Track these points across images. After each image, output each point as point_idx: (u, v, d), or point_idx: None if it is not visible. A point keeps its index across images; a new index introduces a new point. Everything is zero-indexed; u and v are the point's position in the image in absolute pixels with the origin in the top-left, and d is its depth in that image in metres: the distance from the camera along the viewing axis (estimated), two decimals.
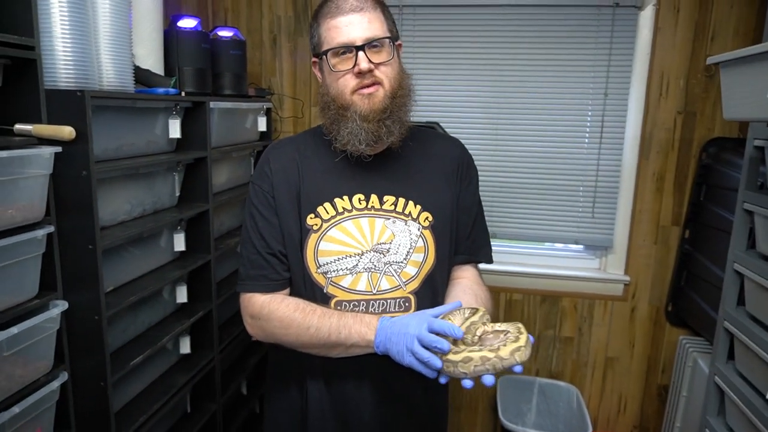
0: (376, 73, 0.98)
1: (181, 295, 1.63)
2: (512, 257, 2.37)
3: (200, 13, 2.30)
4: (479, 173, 2.21)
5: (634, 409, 2.34)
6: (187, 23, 1.69)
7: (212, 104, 1.66)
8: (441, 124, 2.24)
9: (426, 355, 0.84)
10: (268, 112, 2.11)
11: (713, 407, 1.60)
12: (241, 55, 1.91)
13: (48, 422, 1.20)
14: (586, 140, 2.17)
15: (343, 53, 0.97)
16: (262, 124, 2.05)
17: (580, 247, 2.33)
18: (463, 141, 2.18)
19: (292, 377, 1.11)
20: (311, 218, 1.03)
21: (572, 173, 2.20)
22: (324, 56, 0.98)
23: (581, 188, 2.20)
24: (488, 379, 0.82)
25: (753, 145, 1.49)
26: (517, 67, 2.16)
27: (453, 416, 2.50)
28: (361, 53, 0.95)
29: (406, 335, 0.87)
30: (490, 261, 1.19)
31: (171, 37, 1.65)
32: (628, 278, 2.23)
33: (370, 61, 0.96)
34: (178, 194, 1.64)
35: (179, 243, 1.59)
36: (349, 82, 0.98)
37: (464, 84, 2.22)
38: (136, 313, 1.48)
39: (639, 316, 2.26)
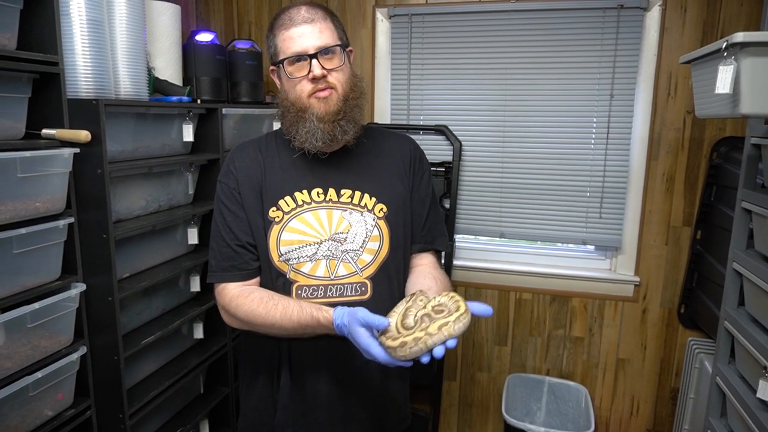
0: (329, 78, 1.07)
1: (195, 285, 1.78)
2: (522, 257, 2.40)
3: (226, 26, 2.48)
4: (486, 174, 2.33)
5: (647, 411, 2.31)
6: (204, 37, 1.85)
7: (225, 110, 1.81)
8: (449, 126, 2.32)
9: (374, 351, 0.90)
10: None
11: (716, 409, 1.59)
12: (256, 65, 2.06)
13: (69, 390, 1.37)
14: (593, 141, 2.18)
15: (298, 61, 1.07)
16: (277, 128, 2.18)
17: (590, 247, 2.33)
18: (471, 143, 2.31)
19: (263, 367, 1.19)
20: (273, 211, 1.12)
21: (579, 174, 2.21)
22: (281, 65, 1.09)
23: (588, 189, 2.21)
24: (436, 351, 0.86)
25: (750, 143, 1.48)
26: (524, 70, 2.21)
27: (465, 412, 2.54)
28: (314, 61, 1.05)
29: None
30: (446, 249, 1.26)
31: (189, 49, 1.81)
32: (638, 279, 2.21)
33: (323, 67, 1.06)
34: (192, 192, 1.80)
35: (192, 237, 1.75)
36: (305, 87, 1.07)
37: (472, 88, 2.28)
38: (150, 299, 1.64)
39: (650, 318, 2.24)
